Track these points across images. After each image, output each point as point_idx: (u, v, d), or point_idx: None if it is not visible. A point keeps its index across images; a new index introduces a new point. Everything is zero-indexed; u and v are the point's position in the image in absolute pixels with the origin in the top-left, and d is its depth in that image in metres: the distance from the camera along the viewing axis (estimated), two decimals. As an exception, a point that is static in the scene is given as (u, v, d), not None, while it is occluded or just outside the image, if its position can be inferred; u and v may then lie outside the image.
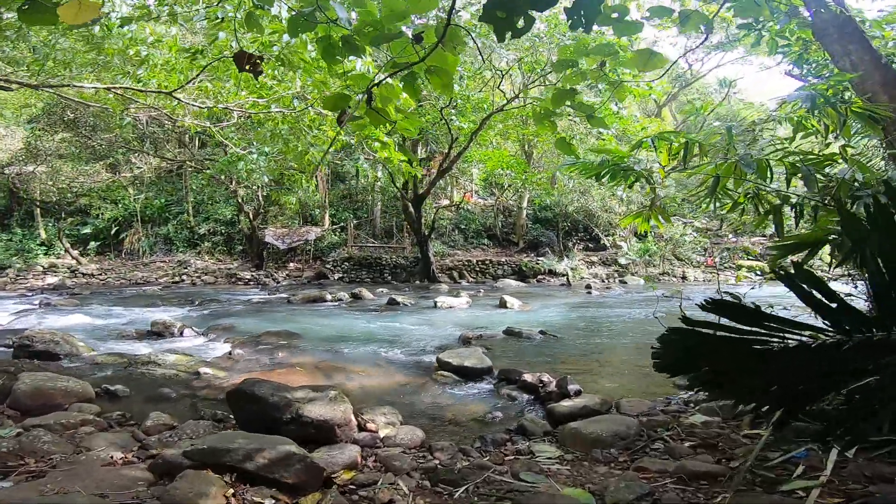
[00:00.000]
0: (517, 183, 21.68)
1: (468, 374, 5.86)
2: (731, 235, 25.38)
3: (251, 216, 19.18)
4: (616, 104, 14.87)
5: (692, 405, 4.50)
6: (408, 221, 19.22)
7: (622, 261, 20.35)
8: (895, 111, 4.48)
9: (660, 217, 4.58)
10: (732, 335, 2.21)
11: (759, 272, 22.82)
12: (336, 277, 18.35)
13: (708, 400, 4.57)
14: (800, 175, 3.62)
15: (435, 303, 11.73)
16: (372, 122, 3.35)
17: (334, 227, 21.67)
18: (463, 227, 22.76)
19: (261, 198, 19.69)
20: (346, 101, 3.13)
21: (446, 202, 23.31)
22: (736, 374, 2.27)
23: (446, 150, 17.78)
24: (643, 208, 4.73)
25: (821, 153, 4.01)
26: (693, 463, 2.81)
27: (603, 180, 4.25)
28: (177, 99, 8.00)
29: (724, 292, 3.80)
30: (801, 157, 4.11)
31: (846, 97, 4.72)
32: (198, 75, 7.75)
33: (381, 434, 4.09)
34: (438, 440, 4.09)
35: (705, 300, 2.18)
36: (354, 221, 22.45)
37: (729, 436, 3.50)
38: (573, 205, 22.03)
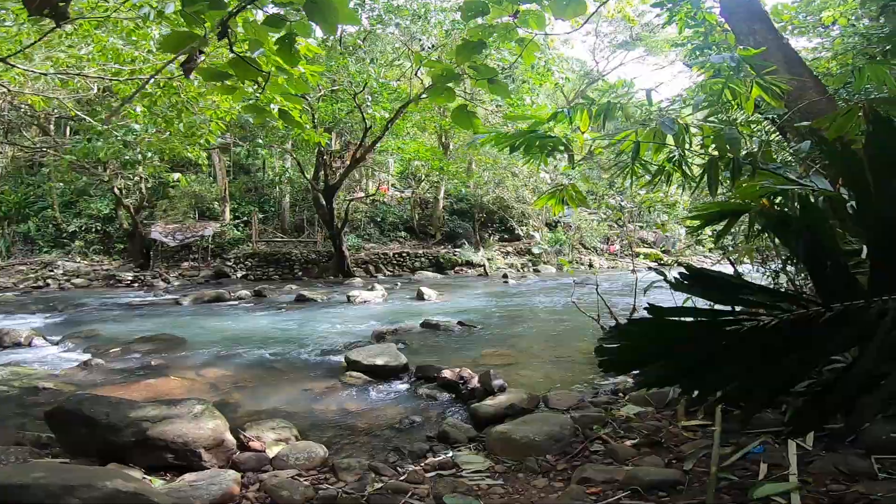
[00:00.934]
0: (434, 174, 21.19)
1: (381, 374, 5.13)
2: (629, 225, 26.92)
3: (132, 211, 16.79)
4: (528, 96, 14.88)
5: (621, 395, 4.15)
6: (319, 214, 17.94)
7: (535, 250, 20.64)
8: (796, 87, 4.49)
9: (573, 196, 4.16)
10: (720, 318, 1.73)
11: (655, 260, 24.42)
12: (239, 276, 16.64)
13: (637, 388, 4.26)
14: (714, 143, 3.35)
15: (348, 297, 10.82)
16: (239, 75, 2.52)
17: (236, 221, 19.75)
18: (378, 219, 21.84)
19: (144, 190, 17.31)
20: (192, 41, 2.27)
21: (361, 194, 22.24)
22: (710, 365, 1.80)
23: (360, 141, 16.77)
24: (556, 188, 4.28)
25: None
26: (644, 471, 2.33)
27: (518, 153, 3.73)
28: (9, 65, 6.41)
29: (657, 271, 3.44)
30: (724, 121, 3.86)
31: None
32: (39, 39, 6.22)
33: (271, 453, 3.27)
34: (345, 456, 3.35)
35: (680, 273, 1.69)
36: (260, 215, 20.65)
37: (668, 429, 3.12)
38: (488, 196, 21.98)
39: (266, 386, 5.11)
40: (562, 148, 3.81)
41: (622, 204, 26.33)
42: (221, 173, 19.94)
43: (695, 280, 1.72)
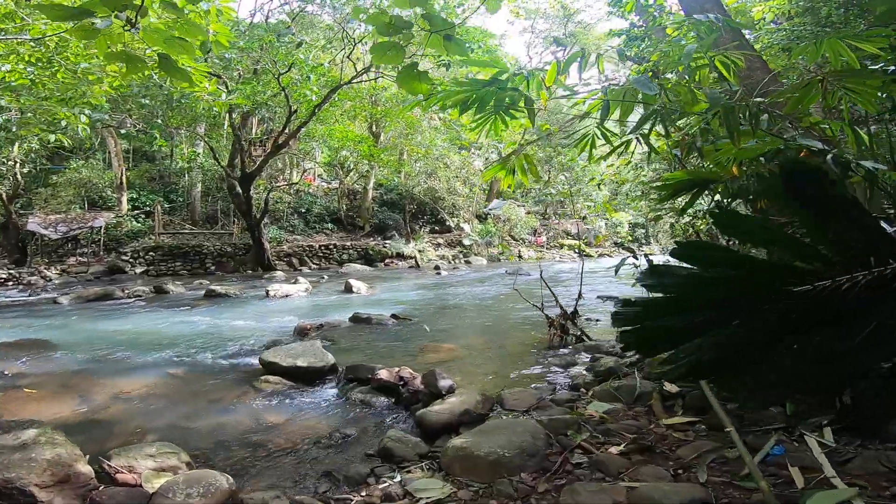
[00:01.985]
0: (363, 164, 20.10)
1: (304, 377, 4.30)
2: (554, 217, 27.53)
3: (5, 199, 14.21)
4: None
5: (583, 390, 3.67)
6: (235, 204, 16.31)
7: (466, 242, 20.31)
8: (746, 66, 4.35)
9: (524, 167, 3.61)
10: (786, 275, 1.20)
11: (576, 250, 25.09)
12: (138, 271, 14.65)
13: (599, 381, 3.82)
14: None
15: (266, 292, 9.68)
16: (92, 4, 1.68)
17: (136, 212, 17.48)
18: (303, 211, 20.41)
19: (19, 175, 14.72)
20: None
21: (284, 184, 20.67)
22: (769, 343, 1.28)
23: (283, 126, 15.39)
24: (506, 157, 3.72)
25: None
26: (655, 489, 1.79)
27: (467, 119, 3.11)
28: None
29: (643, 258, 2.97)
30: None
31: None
32: None
33: (151, 487, 2.40)
34: (258, 487, 2.57)
35: (677, 242, 1.21)
36: (166, 205, 18.48)
37: (651, 429, 2.65)
38: (419, 187, 21.32)
39: (157, 398, 4.10)
40: (522, 104, 3.20)
41: (550, 192, 26.82)
42: (117, 158, 17.54)
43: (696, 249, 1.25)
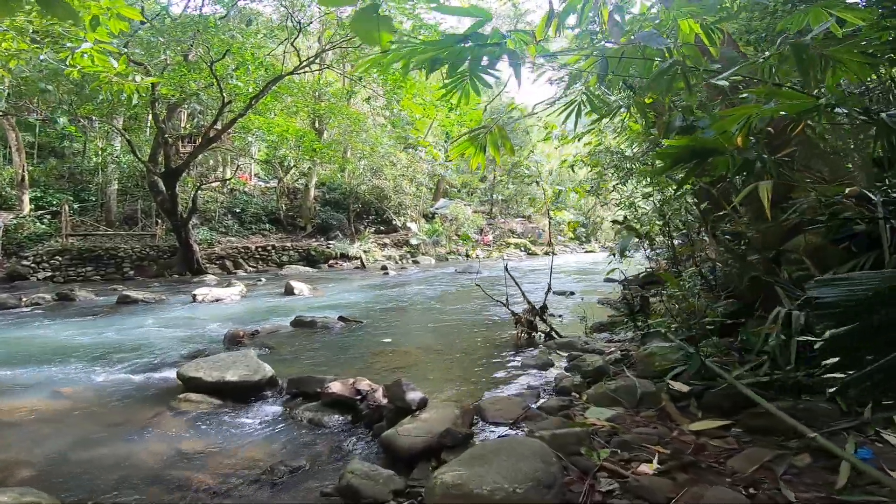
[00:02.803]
0: (305, 162, 18.87)
1: (236, 394, 3.51)
2: (500, 216, 27.52)
3: None
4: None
5: (575, 395, 3.17)
6: (157, 203, 14.67)
7: (413, 241, 19.65)
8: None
9: (497, 141, 3.10)
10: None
11: (522, 248, 25.19)
12: (42, 277, 12.75)
13: (589, 383, 3.33)
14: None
15: (193, 296, 8.54)
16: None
17: (40, 212, 15.33)
18: (238, 211, 18.86)
19: None
20: None
21: (216, 181, 19.06)
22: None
23: (214, 119, 14.02)
24: (476, 131, 3.19)
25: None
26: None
27: (439, 76, 2.55)
28: None
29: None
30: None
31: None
32: None
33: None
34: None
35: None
36: (77, 205, 16.37)
37: (676, 437, 2.18)
38: (364, 186, 20.41)
39: (42, 424, 3.18)
40: (505, 60, 2.62)
41: (492, 195, 26.75)
42: (18, 153, 15.30)
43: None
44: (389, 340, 5.32)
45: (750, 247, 3.61)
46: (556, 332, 4.81)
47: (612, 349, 4.13)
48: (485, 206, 27.72)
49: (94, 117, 14.37)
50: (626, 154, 8.79)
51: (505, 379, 3.77)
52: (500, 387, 3.57)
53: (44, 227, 14.99)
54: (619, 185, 10.46)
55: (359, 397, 3.15)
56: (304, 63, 13.63)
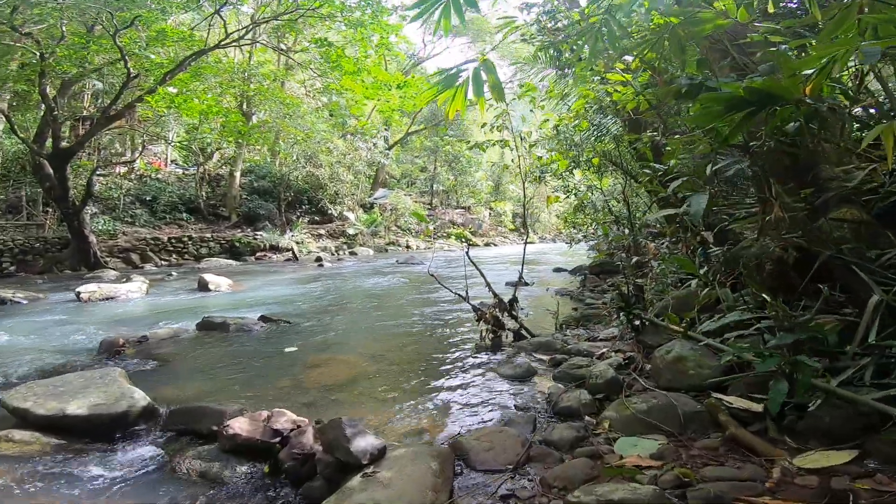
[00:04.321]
0: (229, 145, 16.79)
1: (87, 431, 2.29)
2: (440, 207, 26.66)
3: None
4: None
5: (590, 418, 2.27)
6: (44, 188, 12.28)
7: (351, 231, 18.24)
8: None
9: (495, 86, 2.26)
10: None
11: (463, 239, 24.50)
12: None
13: (603, 400, 2.45)
14: None
15: (78, 294, 6.83)
16: None
17: None
18: (148, 199, 16.46)
19: None
20: None
21: (120, 163, 16.55)
22: None
23: (116, 94, 11.87)
24: (461, 65, 2.31)
25: None
26: None
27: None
28: None
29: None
30: None
31: None
32: None
33: None
34: None
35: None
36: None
37: (794, 483, 1.32)
38: (297, 173, 18.65)
39: None
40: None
41: (433, 186, 25.82)
42: None
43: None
44: (325, 345, 4.18)
45: (768, 227, 2.91)
46: (528, 331, 3.93)
47: (602, 349, 3.31)
48: (425, 197, 26.72)
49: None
50: (575, 140, 8.14)
51: (480, 395, 2.81)
52: (477, 408, 2.60)
53: None
54: (566, 174, 9.90)
55: (277, 440, 2.06)
56: (232, 37, 11.83)
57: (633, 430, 1.99)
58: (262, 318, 4.98)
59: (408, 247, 19.77)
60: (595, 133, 7.93)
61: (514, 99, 4.99)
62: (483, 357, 3.64)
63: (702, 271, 2.74)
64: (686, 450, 1.80)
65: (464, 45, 26.03)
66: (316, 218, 18.99)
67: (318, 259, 13.88)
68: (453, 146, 24.86)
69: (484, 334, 3.92)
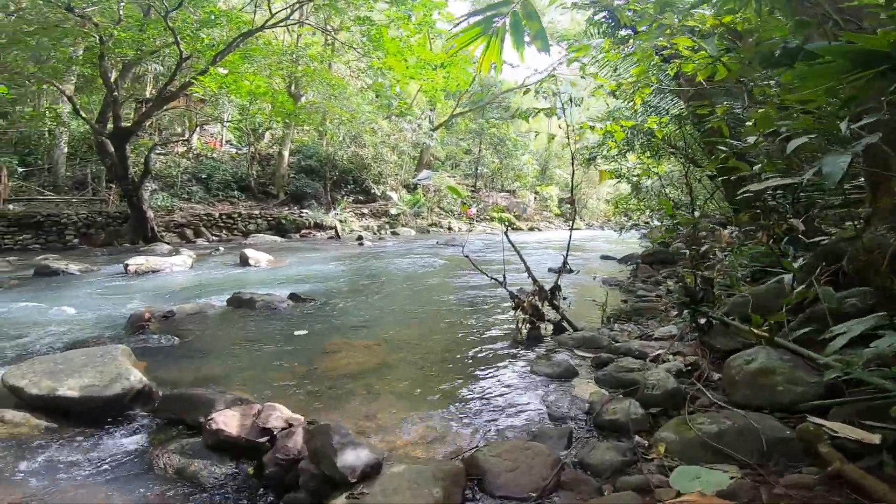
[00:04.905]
0: (278, 125, 17.00)
1: (80, 414, 2.11)
2: (484, 190, 26.07)
3: None
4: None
5: (639, 438, 1.84)
6: (106, 166, 12.85)
7: (393, 211, 18.11)
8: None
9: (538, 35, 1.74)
10: None
11: (506, 223, 23.88)
12: (-30, 245, 10.95)
13: (658, 414, 2.01)
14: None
15: (125, 267, 6.98)
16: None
17: (-24, 174, 13.30)
18: (204, 177, 16.99)
19: None
20: None
21: (177, 142, 17.14)
22: None
23: (170, 76, 12.13)
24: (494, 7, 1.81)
25: None
26: None
27: None
28: None
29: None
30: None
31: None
32: None
33: None
34: None
35: None
36: (22, 169, 14.34)
37: None
38: (343, 153, 18.64)
39: None
40: None
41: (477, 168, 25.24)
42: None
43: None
44: (348, 328, 3.92)
45: (883, 214, 2.30)
46: (571, 323, 3.48)
47: (657, 350, 2.82)
48: (469, 180, 26.18)
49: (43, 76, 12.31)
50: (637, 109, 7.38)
51: (509, 397, 2.43)
52: (503, 413, 2.23)
53: (-21, 190, 13.02)
54: (618, 157, 9.13)
55: (266, 439, 1.78)
56: (277, 17, 11.77)
57: (696, 458, 1.55)
58: (291, 297, 4.80)
59: (450, 228, 19.45)
60: (651, 114, 7.18)
61: (561, 64, 4.44)
62: (518, 351, 3.25)
63: (795, 264, 2.18)
64: (768, 487, 1.35)
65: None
66: (360, 197, 19.00)
67: (360, 238, 13.82)
68: (499, 129, 24.12)
69: (520, 325, 3.51)
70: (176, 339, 3.48)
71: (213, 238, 13.76)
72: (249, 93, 13.34)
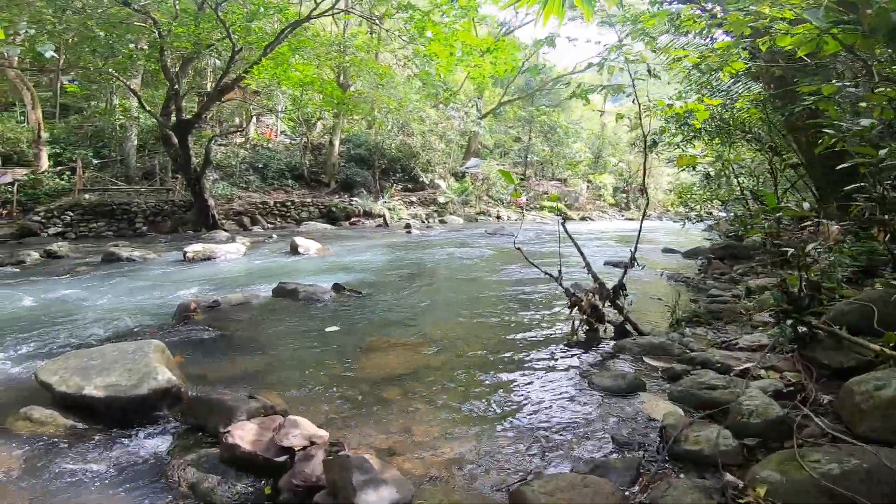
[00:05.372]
0: (328, 115, 17.18)
1: (107, 413, 2.01)
2: (534, 178, 25.28)
3: None
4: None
5: (731, 479, 1.47)
6: (171, 156, 13.46)
7: (441, 199, 17.89)
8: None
9: None
10: None
11: (557, 212, 22.97)
12: (52, 232, 11.81)
13: (757, 447, 1.62)
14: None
15: (184, 254, 7.19)
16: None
17: (60, 168, 14.36)
18: (260, 166, 17.51)
19: None
20: None
21: (234, 131, 17.72)
22: None
23: (225, 68, 12.45)
24: None
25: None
26: None
27: None
28: None
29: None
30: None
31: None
32: None
33: None
34: None
35: None
36: (97, 161, 15.34)
37: None
38: (391, 142, 18.59)
39: None
40: None
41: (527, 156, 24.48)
42: (35, 111, 14.24)
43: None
44: (391, 324, 3.71)
45: None
46: (636, 326, 3.07)
47: (743, 363, 2.39)
48: (518, 168, 25.45)
49: (112, 71, 13.00)
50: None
51: (563, 415, 2.10)
52: (556, 436, 1.91)
53: (63, 182, 14.07)
54: (684, 144, 8.31)
55: (283, 458, 1.57)
56: (322, 7, 11.71)
57: (809, 502, 1.18)
58: (335, 287, 4.66)
59: (498, 217, 19.00)
60: (725, 98, 6.39)
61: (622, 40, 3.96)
62: (573, 355, 2.90)
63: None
64: None
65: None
66: (408, 186, 18.92)
67: (407, 226, 13.72)
68: (549, 116, 23.20)
69: (577, 326, 3.15)
70: (217, 331, 3.41)
71: (268, 225, 14.14)
72: (299, 82, 13.48)
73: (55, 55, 8.53)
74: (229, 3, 10.62)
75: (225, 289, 5.04)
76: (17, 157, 14.50)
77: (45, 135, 14.17)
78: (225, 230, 12.55)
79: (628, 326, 3.08)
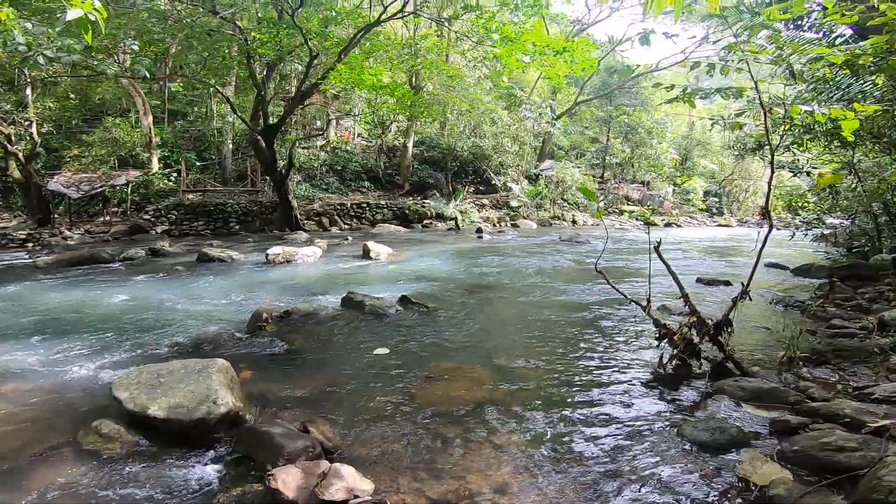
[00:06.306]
0: (402, 118, 17.51)
1: (170, 435, 2.02)
2: (613, 181, 23.94)
3: (22, 159, 12.84)
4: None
5: None
6: (259, 159, 14.36)
7: (514, 203, 17.47)
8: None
9: None
10: None
11: (638, 217, 21.54)
12: (160, 230, 13.09)
13: None
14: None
15: (266, 256, 7.55)
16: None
17: (168, 170, 15.93)
18: (339, 168, 18.23)
19: (35, 135, 13.32)
20: None
21: (317, 134, 18.59)
22: None
23: (304, 74, 13.07)
24: None
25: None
26: None
27: None
28: None
29: None
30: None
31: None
32: None
33: None
34: None
35: None
36: (199, 164, 16.85)
37: None
38: (463, 144, 18.50)
39: None
40: None
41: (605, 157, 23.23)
42: (147, 117, 15.93)
43: None
44: (455, 347, 3.52)
45: None
46: (739, 365, 2.61)
47: (881, 419, 1.89)
48: (596, 170, 24.20)
49: (209, 79, 14.19)
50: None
51: (642, 473, 1.77)
52: (634, 499, 1.60)
53: (171, 183, 15.56)
54: (794, 147, 7.27)
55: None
56: (390, 10, 11.85)
57: None
58: (401, 301, 4.57)
59: (574, 222, 18.19)
60: (841, 96, 5.44)
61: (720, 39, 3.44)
62: (660, 393, 2.52)
63: None
64: None
65: (635, 5, 21.90)
66: (480, 188, 18.71)
67: (479, 230, 13.51)
68: (630, 116, 21.84)
69: (665, 360, 2.75)
70: (284, 344, 3.43)
71: (345, 227, 14.64)
72: (372, 86, 13.77)
73: (147, 73, 9.33)
74: (306, 10, 11.04)
75: (298, 295, 5.16)
76: (132, 160, 16.27)
77: (155, 139, 15.74)
78: (305, 230, 13.18)
79: (730, 365, 2.63)
